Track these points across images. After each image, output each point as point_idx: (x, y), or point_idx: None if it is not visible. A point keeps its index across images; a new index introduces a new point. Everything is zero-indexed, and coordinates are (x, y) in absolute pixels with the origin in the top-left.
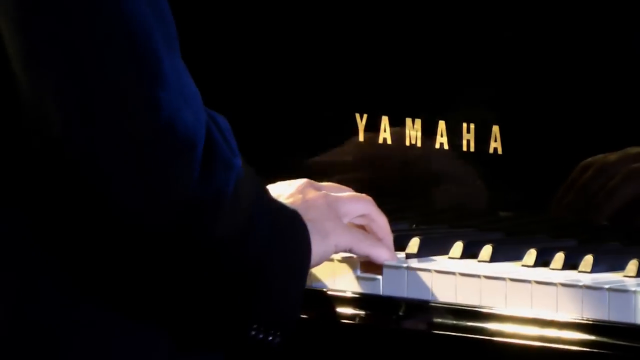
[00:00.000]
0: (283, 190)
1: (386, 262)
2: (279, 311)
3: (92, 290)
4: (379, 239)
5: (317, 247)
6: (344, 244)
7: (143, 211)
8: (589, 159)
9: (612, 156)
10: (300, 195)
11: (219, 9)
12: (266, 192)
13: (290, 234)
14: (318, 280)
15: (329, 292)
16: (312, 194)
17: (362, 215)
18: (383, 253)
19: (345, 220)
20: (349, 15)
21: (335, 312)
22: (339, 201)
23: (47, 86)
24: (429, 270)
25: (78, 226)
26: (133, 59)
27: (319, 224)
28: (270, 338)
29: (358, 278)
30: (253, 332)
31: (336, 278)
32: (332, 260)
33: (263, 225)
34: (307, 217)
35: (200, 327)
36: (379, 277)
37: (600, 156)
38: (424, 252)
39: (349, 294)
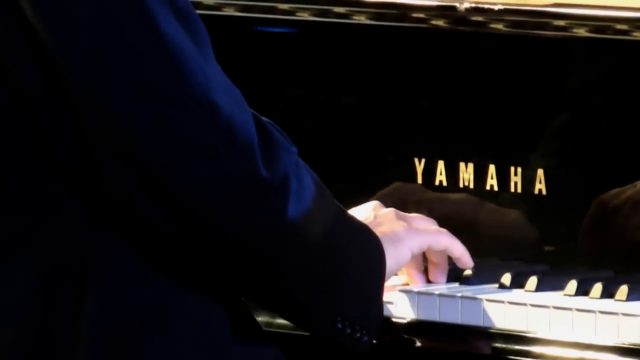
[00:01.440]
0: (357, 209)
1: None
2: (359, 308)
3: (176, 281)
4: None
5: (390, 253)
6: (419, 244)
7: (222, 205)
8: (608, 193)
9: (633, 190)
10: (372, 212)
11: (297, 60)
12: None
13: (361, 235)
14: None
15: (393, 319)
16: (382, 210)
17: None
18: (460, 245)
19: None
20: (412, 74)
21: (397, 337)
22: (408, 217)
23: (120, 109)
24: (480, 299)
25: (165, 225)
26: (184, 75)
27: (389, 233)
28: (358, 335)
29: (417, 305)
30: (340, 325)
31: (397, 304)
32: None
33: (335, 222)
34: (379, 229)
35: (283, 313)
36: (436, 304)
37: (619, 190)
38: (477, 281)
39: (406, 320)
